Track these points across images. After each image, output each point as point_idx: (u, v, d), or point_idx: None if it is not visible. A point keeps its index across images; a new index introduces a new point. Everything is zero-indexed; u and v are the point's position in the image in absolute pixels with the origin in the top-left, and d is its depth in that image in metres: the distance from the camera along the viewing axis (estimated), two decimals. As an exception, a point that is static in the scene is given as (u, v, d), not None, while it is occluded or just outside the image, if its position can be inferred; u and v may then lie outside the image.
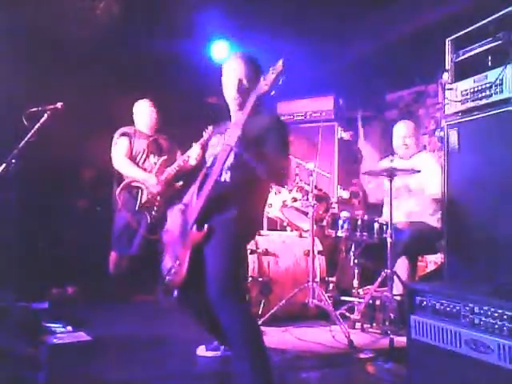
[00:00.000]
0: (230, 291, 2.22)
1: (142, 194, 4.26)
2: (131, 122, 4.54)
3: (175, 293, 2.43)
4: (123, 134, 4.36)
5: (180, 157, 4.34)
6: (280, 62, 2.20)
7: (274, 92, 2.24)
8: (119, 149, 4.32)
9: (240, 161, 2.27)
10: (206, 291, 2.23)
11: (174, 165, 4.32)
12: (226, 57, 5.43)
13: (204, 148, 4.29)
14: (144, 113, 4.44)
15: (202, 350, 2.86)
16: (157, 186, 4.26)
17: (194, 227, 2.33)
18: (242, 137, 2.20)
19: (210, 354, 2.81)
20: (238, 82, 2.46)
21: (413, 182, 3.82)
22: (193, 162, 4.24)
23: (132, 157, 4.33)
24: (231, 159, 2.31)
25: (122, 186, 4.26)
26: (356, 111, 5.55)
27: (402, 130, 4.04)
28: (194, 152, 4.23)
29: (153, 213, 4.25)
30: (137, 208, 4.24)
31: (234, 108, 2.56)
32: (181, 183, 4.40)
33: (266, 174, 2.36)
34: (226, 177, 2.37)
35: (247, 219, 2.38)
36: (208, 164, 2.53)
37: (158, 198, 4.27)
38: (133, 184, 4.28)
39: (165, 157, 4.39)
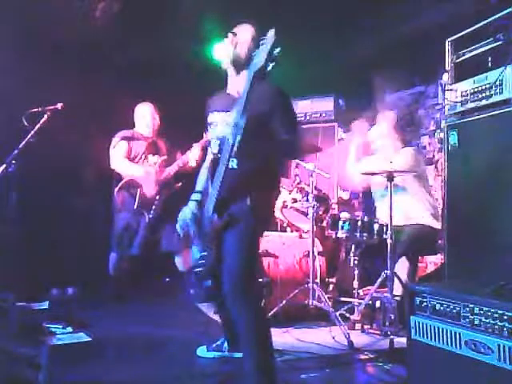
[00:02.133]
0: (244, 288, 2.22)
1: (140, 193, 4.26)
2: (131, 122, 4.54)
3: (208, 282, 2.40)
4: (122, 138, 4.38)
5: (180, 157, 4.34)
6: (271, 32, 2.16)
7: (272, 66, 2.19)
8: (118, 150, 4.33)
9: (247, 146, 2.23)
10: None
11: (174, 165, 4.33)
12: (225, 57, 5.48)
13: (202, 148, 4.32)
14: (144, 116, 4.45)
15: (202, 351, 2.86)
16: (155, 183, 4.27)
17: (215, 215, 2.32)
18: (246, 123, 2.17)
19: (210, 354, 2.81)
20: (248, 44, 2.42)
21: (398, 179, 3.76)
22: (193, 163, 4.26)
23: (131, 158, 4.34)
24: (235, 147, 2.24)
25: (119, 185, 4.27)
26: (356, 111, 5.55)
27: (377, 132, 4.00)
28: (194, 153, 4.24)
29: (151, 212, 4.25)
30: (135, 207, 4.24)
31: (231, 73, 2.52)
32: (180, 184, 4.41)
33: (281, 152, 2.37)
34: (233, 164, 2.34)
35: (261, 209, 2.37)
36: (214, 150, 2.47)
37: (157, 197, 4.27)
38: (130, 184, 4.28)
39: (164, 157, 4.39)
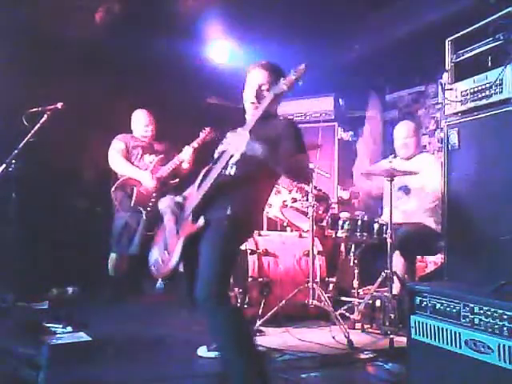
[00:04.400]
0: (214, 295, 2.18)
1: (136, 191, 4.27)
2: (131, 122, 4.55)
3: (159, 283, 2.40)
4: (119, 139, 4.44)
5: (176, 157, 4.36)
6: (303, 66, 2.21)
7: (290, 92, 2.26)
8: (115, 149, 4.39)
9: (247, 157, 2.23)
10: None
11: (170, 164, 4.35)
12: (225, 57, 5.49)
13: (197, 150, 4.34)
14: (140, 122, 4.49)
15: (202, 351, 2.86)
16: (151, 182, 4.28)
17: (190, 218, 2.30)
18: (252, 134, 2.20)
19: (211, 354, 2.81)
20: (258, 87, 2.46)
21: (412, 182, 3.81)
22: (186, 165, 4.30)
23: (127, 157, 4.37)
24: (238, 156, 2.26)
25: (116, 185, 4.29)
26: (356, 111, 5.55)
27: (402, 131, 4.03)
28: (186, 155, 4.27)
29: (148, 209, 4.26)
30: (131, 205, 4.25)
31: (250, 112, 2.53)
32: (176, 180, 4.41)
33: (286, 171, 2.36)
34: (231, 171, 2.34)
35: (244, 219, 2.34)
36: (214, 160, 2.49)
37: (153, 194, 4.28)
38: (126, 183, 4.30)
39: (161, 156, 4.41)
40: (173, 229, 2.38)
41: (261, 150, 2.19)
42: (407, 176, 3.70)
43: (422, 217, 3.78)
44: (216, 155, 2.52)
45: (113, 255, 4.36)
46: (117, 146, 4.39)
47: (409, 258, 3.67)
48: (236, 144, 2.22)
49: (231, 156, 2.26)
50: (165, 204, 2.48)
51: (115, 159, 4.36)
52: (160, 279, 2.39)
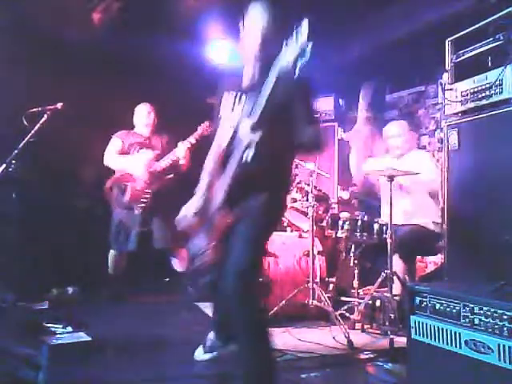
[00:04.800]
0: (246, 285, 2.16)
1: (130, 188, 4.27)
2: (131, 122, 4.55)
3: (207, 279, 2.37)
4: (117, 136, 4.46)
5: (173, 152, 4.32)
6: (304, 25, 1.95)
7: (300, 66, 1.98)
8: (111, 146, 4.42)
9: (262, 140, 2.12)
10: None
11: (165, 159, 4.32)
12: (225, 57, 5.49)
13: (194, 146, 4.29)
14: (142, 116, 4.49)
15: (199, 353, 2.83)
16: (143, 173, 4.26)
17: (221, 211, 2.25)
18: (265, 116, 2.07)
19: (206, 356, 2.77)
20: (263, 33, 2.25)
21: (404, 179, 3.79)
22: (182, 161, 4.28)
23: (123, 153, 4.38)
24: (252, 145, 2.14)
25: (109, 183, 4.30)
26: (356, 111, 5.55)
27: (392, 130, 4.03)
28: (181, 151, 4.25)
29: (142, 205, 4.26)
30: (125, 201, 4.25)
31: (251, 65, 2.35)
32: (171, 175, 4.39)
33: (300, 146, 2.27)
34: (249, 157, 2.19)
35: (273, 208, 2.31)
36: (224, 142, 2.35)
37: (147, 190, 4.27)
38: (120, 180, 4.30)
39: (157, 151, 4.38)
40: (209, 222, 2.33)
41: (269, 141, 2.10)
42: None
43: (417, 216, 3.77)
44: (224, 127, 2.38)
45: (112, 252, 4.37)
46: (113, 143, 4.42)
47: (408, 260, 3.67)
48: (243, 133, 2.13)
49: (246, 144, 2.14)
50: (187, 209, 2.43)
51: (109, 156, 4.39)
52: (206, 273, 2.36)
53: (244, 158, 2.15)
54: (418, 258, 4.19)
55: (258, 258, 2.28)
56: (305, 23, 1.94)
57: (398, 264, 3.54)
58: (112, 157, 4.38)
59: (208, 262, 2.33)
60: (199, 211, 2.39)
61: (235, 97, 2.38)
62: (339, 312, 3.49)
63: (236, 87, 2.40)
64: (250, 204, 2.24)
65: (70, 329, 3.32)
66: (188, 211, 2.43)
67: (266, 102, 2.07)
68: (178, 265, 4.35)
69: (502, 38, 2.61)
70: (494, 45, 2.68)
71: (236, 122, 2.29)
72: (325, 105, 5.18)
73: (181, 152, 4.27)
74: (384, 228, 3.50)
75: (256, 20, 2.29)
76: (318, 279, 3.75)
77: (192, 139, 4.29)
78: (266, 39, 2.25)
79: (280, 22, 2.22)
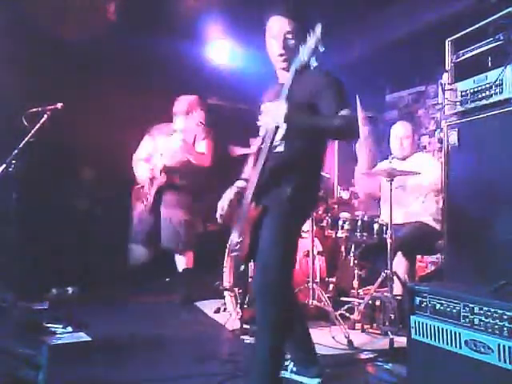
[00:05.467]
0: (273, 283, 2.13)
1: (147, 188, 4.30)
2: (131, 122, 4.55)
3: (241, 267, 2.34)
4: (149, 134, 4.44)
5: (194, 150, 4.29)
6: (318, 28, 2.04)
7: (315, 61, 2.09)
8: (138, 150, 4.42)
9: (293, 131, 2.14)
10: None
11: (177, 158, 4.29)
12: (225, 57, 5.49)
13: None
14: (181, 110, 4.34)
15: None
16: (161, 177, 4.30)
17: (252, 203, 2.22)
18: (288, 102, 2.09)
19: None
20: (283, 37, 2.29)
21: (409, 181, 3.80)
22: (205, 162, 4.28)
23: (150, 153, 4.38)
24: (282, 131, 2.14)
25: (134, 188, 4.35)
26: (356, 111, 5.55)
27: (398, 132, 4.03)
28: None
29: (145, 204, 4.29)
30: (144, 205, 4.28)
31: (279, 66, 2.38)
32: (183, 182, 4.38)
33: (333, 134, 2.25)
34: (280, 148, 2.23)
35: (302, 198, 2.27)
36: (261, 135, 2.38)
37: (150, 190, 4.29)
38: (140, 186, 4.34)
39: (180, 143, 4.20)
40: (241, 215, 2.32)
41: (301, 119, 2.12)
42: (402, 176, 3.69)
43: (420, 216, 3.78)
44: (261, 132, 2.41)
45: (134, 246, 4.36)
46: (140, 147, 4.40)
47: (411, 259, 3.68)
48: (275, 117, 2.12)
49: (275, 132, 2.15)
50: (228, 196, 2.46)
51: (134, 163, 4.38)
52: (241, 264, 2.37)
53: (273, 143, 2.16)
54: (418, 257, 4.19)
55: (286, 254, 2.21)
56: (318, 27, 2.05)
57: (400, 262, 3.55)
58: (135, 161, 4.39)
59: (240, 254, 2.29)
60: (231, 204, 2.41)
61: (268, 103, 2.35)
62: (339, 312, 3.48)
63: (271, 97, 2.40)
64: (277, 195, 2.21)
65: (69, 329, 3.32)
66: (222, 204, 2.45)
67: (288, 88, 2.12)
68: (180, 263, 4.34)
69: (501, 37, 2.61)
70: (494, 45, 2.68)
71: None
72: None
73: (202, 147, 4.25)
74: (384, 228, 3.51)
75: (279, 29, 2.32)
76: (318, 279, 3.74)
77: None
78: (289, 45, 2.29)
79: (301, 27, 2.27)
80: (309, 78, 2.23)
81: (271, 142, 2.17)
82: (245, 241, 2.25)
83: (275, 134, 2.16)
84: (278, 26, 2.31)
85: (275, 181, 2.23)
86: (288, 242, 2.22)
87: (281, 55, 2.31)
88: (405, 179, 3.81)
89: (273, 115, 2.14)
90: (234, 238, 2.37)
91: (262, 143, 2.32)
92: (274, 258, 2.15)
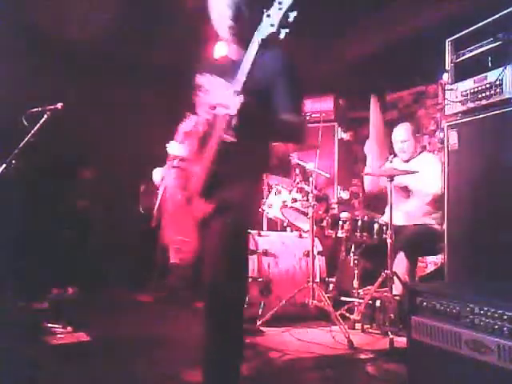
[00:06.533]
0: (223, 304, 1.91)
1: None
2: (131, 122, 4.55)
3: (188, 272, 2.18)
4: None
5: None
6: None
7: (284, 33, 1.77)
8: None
9: (244, 120, 1.87)
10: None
11: None
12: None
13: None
14: None
15: None
16: None
17: (201, 197, 1.97)
18: (245, 105, 1.83)
19: None
20: (234, 3, 1.98)
21: (412, 182, 3.81)
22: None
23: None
24: (234, 120, 1.88)
25: None
26: (356, 111, 5.55)
27: (399, 135, 4.02)
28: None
29: None
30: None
31: (227, 37, 2.09)
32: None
33: (277, 133, 2.03)
34: (232, 137, 1.92)
35: (251, 197, 2.07)
36: (207, 115, 2.04)
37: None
38: None
39: None
40: (183, 208, 2.04)
41: (257, 119, 1.89)
42: (407, 177, 3.69)
43: (423, 218, 3.78)
44: (201, 111, 2.09)
45: None
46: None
47: (412, 259, 3.67)
48: (227, 105, 1.85)
49: (229, 121, 1.88)
50: (162, 175, 2.20)
51: None
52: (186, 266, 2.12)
53: (225, 132, 1.89)
54: (419, 258, 4.18)
55: (237, 265, 1.96)
56: None
57: (402, 263, 3.54)
58: None
59: (186, 258, 2.06)
60: (179, 193, 2.09)
61: (212, 78, 2.05)
62: (339, 312, 3.49)
63: (211, 68, 2.12)
64: (232, 193, 1.95)
65: (69, 329, 3.32)
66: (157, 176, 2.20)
67: (246, 77, 1.84)
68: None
69: (501, 37, 2.61)
70: (494, 45, 2.68)
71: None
72: (325, 105, 5.18)
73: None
74: (384, 228, 3.50)
75: None
76: (318, 279, 3.75)
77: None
78: (240, 8, 2.00)
79: None
80: (267, 57, 1.93)
81: (224, 132, 1.89)
82: (191, 241, 2.01)
83: (229, 123, 1.87)
84: None
85: (227, 176, 1.96)
86: (238, 252, 1.99)
87: (230, 27, 2.03)
88: (408, 182, 3.81)
89: (224, 101, 1.86)
90: (170, 236, 2.11)
91: (208, 127, 2.01)
92: (223, 273, 1.91)
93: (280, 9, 1.75)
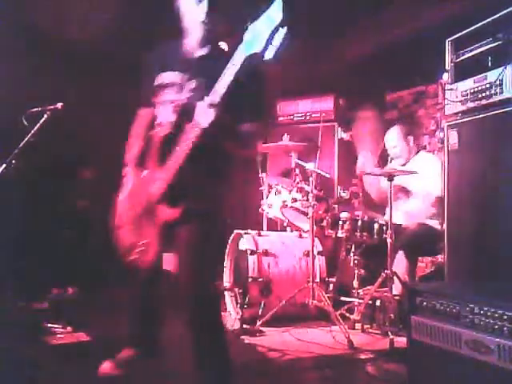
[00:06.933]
0: (200, 319, 2.01)
1: None
2: (131, 122, 4.54)
3: (142, 274, 2.08)
4: None
5: None
6: (278, 5, 1.64)
7: (270, 52, 1.69)
8: None
9: (214, 131, 1.85)
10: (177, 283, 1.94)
11: None
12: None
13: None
14: None
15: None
16: None
17: (163, 202, 1.94)
18: (219, 120, 1.80)
19: None
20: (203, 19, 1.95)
21: (412, 183, 3.81)
22: None
23: None
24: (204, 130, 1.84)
25: None
26: (356, 111, 5.55)
27: (390, 139, 4.02)
28: None
29: None
30: None
31: (195, 33, 2.06)
32: None
33: (234, 139, 1.96)
34: (202, 144, 1.88)
35: (224, 208, 2.08)
36: (170, 118, 2.02)
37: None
38: None
39: None
40: (144, 211, 2.01)
41: (227, 134, 1.86)
42: (407, 177, 3.69)
43: (423, 218, 3.78)
44: (164, 113, 2.05)
45: None
46: None
47: (412, 259, 3.67)
48: (199, 115, 1.83)
49: (200, 127, 1.84)
50: (132, 180, 2.14)
51: None
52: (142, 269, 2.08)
53: (194, 140, 1.85)
54: (419, 258, 4.18)
55: (206, 271, 1.96)
56: (278, 4, 1.66)
57: (401, 262, 3.55)
58: None
59: (144, 258, 2.03)
60: (140, 196, 2.06)
61: (177, 76, 2.05)
62: (339, 312, 3.49)
63: (174, 64, 2.10)
64: (195, 202, 1.92)
65: (69, 329, 3.32)
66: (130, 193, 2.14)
67: (227, 87, 1.79)
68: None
69: (501, 37, 2.61)
70: (494, 45, 2.68)
71: (182, 104, 1.99)
72: (325, 105, 5.18)
73: None
74: (384, 228, 3.50)
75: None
76: (318, 279, 3.75)
77: None
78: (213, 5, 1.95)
79: None
80: (231, 63, 1.82)
81: (191, 140, 1.86)
82: (151, 245, 1.98)
83: (198, 133, 1.84)
84: None
85: (191, 184, 1.93)
86: (208, 259, 1.99)
87: (204, 22, 1.99)
88: (408, 183, 3.81)
89: (198, 112, 1.83)
90: (128, 238, 2.10)
91: (172, 130, 1.98)
92: (194, 272, 1.92)
93: (266, 23, 1.65)
